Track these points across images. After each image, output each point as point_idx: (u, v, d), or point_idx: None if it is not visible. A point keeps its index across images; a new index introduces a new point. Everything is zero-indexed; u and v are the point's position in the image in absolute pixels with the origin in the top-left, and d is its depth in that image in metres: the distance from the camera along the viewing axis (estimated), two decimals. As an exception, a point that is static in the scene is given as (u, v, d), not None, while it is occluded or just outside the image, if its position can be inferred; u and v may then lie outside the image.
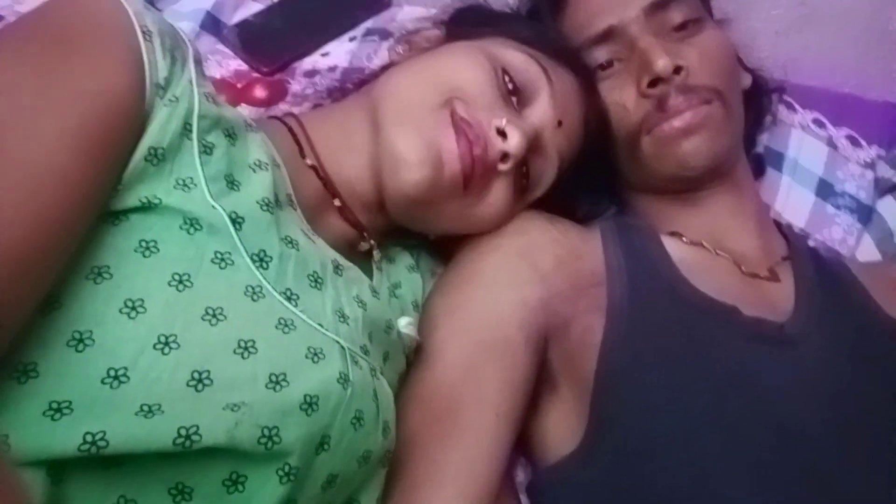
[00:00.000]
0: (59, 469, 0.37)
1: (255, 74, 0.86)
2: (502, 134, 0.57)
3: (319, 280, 0.51)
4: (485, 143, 0.56)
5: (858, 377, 0.53)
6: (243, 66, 0.86)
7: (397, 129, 0.56)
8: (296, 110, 0.82)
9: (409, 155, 0.55)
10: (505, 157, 0.57)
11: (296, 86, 0.86)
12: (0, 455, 0.34)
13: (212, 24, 0.90)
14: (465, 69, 0.59)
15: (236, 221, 0.46)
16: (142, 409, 0.38)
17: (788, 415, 0.50)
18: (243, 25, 0.91)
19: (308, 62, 0.89)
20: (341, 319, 0.50)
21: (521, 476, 0.65)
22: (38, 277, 0.38)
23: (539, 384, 0.60)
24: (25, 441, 0.36)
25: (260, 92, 0.84)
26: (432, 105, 0.57)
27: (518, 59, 0.61)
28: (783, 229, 0.74)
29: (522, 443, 0.62)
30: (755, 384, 0.52)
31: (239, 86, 0.85)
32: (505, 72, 0.60)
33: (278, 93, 0.84)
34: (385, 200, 0.59)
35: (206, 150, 0.47)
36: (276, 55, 0.88)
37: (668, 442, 0.50)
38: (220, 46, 0.89)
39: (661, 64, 0.62)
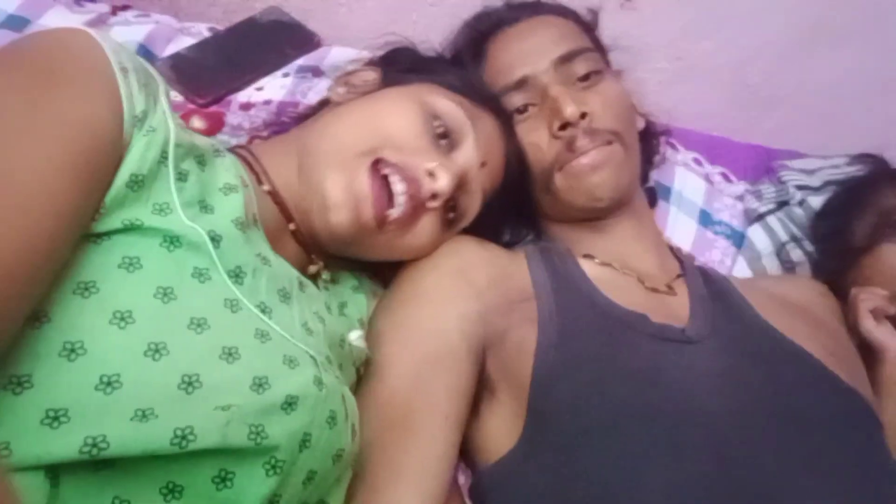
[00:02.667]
0: (55, 472, 0.38)
1: (192, 105, 0.88)
2: (432, 175, 0.63)
3: (288, 295, 0.54)
4: (417, 183, 0.62)
5: (749, 368, 0.63)
6: (179, 98, 0.88)
7: (327, 173, 0.60)
8: (234, 142, 0.85)
9: (335, 198, 0.59)
10: (434, 196, 0.63)
11: (232, 118, 0.89)
12: None
13: (145, 56, 0.92)
14: (399, 118, 0.64)
15: (214, 239, 0.49)
16: (136, 414, 0.40)
17: (696, 403, 0.58)
18: (176, 58, 0.93)
19: (243, 95, 0.92)
20: (308, 332, 0.54)
21: (462, 479, 0.70)
22: (25, 293, 0.39)
23: (478, 392, 0.66)
24: (26, 448, 0.38)
25: (198, 122, 0.86)
26: (359, 152, 0.61)
27: (447, 106, 0.67)
28: (675, 252, 0.85)
29: (462, 448, 0.67)
30: (666, 378, 0.60)
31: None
32: (436, 117, 0.66)
33: (216, 123, 0.87)
34: (317, 235, 0.63)
35: (181, 176, 0.50)
36: (210, 88, 0.91)
37: (597, 432, 0.57)
38: (154, 78, 0.90)
39: (570, 111, 0.71)
